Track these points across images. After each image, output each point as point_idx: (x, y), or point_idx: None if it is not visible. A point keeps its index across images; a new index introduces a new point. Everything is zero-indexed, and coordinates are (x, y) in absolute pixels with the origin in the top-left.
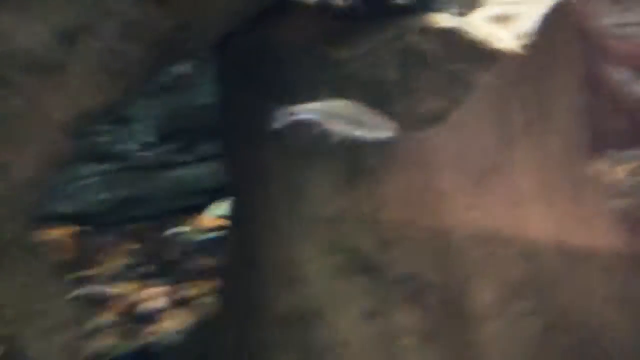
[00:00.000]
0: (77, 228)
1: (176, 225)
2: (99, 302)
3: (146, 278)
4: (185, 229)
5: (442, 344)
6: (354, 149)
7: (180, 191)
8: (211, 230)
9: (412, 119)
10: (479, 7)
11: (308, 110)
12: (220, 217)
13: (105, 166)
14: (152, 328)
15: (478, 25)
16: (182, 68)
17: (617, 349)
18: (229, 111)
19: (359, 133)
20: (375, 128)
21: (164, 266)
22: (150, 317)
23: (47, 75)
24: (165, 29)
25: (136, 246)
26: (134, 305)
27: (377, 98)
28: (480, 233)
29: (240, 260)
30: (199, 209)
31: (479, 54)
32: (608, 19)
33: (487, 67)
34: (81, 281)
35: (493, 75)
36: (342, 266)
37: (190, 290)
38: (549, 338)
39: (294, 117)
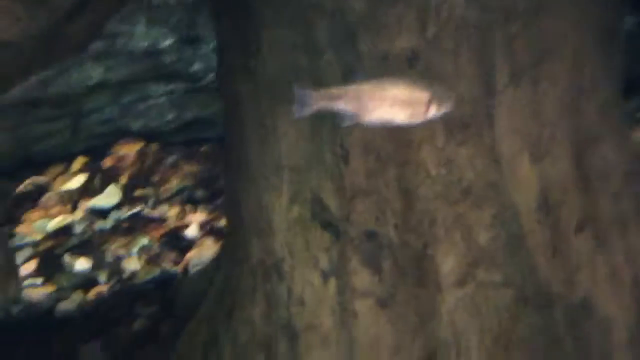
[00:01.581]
0: (143, 145)
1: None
2: (143, 225)
3: (196, 203)
4: None
5: (399, 311)
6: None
7: None
8: None
9: (379, 60)
10: None
11: (339, 97)
12: None
13: (173, 86)
14: (180, 257)
15: None
16: None
17: (604, 332)
18: (220, 42)
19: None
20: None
21: (216, 192)
22: (184, 245)
23: None
24: None
25: (196, 168)
26: (172, 230)
27: (341, 33)
28: (450, 192)
29: (228, 203)
30: None
31: None
32: None
33: (470, 1)
34: (136, 200)
35: (475, 9)
36: (304, 219)
37: (209, 213)
38: (521, 314)
39: (321, 105)
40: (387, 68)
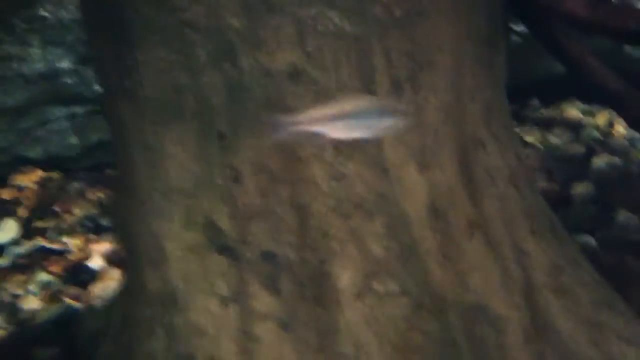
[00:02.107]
0: (44, 174)
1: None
2: (44, 258)
3: (101, 231)
4: None
5: (301, 332)
6: (205, 111)
7: None
8: None
9: (262, 75)
10: None
11: (315, 121)
12: None
13: (74, 109)
14: (84, 291)
15: None
16: None
17: (499, 333)
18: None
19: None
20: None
21: (103, 212)
22: (87, 278)
23: None
24: None
25: (102, 195)
26: (75, 263)
27: (221, 50)
28: (342, 206)
29: (120, 232)
30: None
31: None
32: None
33: (345, 13)
34: (37, 232)
35: (351, 21)
36: (198, 244)
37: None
38: (417, 321)
39: (299, 128)
40: (271, 84)
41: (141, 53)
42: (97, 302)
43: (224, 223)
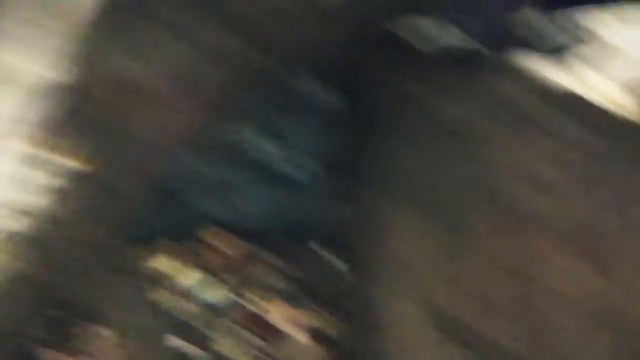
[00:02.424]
0: (227, 234)
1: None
2: (229, 309)
3: (299, 302)
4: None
5: None
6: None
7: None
8: None
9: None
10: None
11: None
12: None
13: (255, 176)
14: (269, 345)
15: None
16: None
17: None
18: None
19: None
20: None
21: (301, 287)
22: (271, 333)
23: (147, 103)
24: (247, 56)
25: (278, 262)
26: (259, 317)
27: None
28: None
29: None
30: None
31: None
32: None
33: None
34: (221, 286)
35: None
36: (422, 322)
37: (313, 317)
38: None
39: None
40: None
41: (390, 144)
42: None
43: (453, 309)
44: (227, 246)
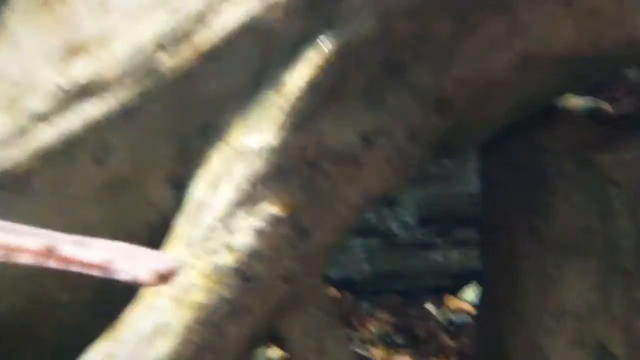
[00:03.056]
0: (339, 292)
1: (426, 303)
2: None
3: (396, 347)
4: (434, 308)
5: None
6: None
7: (433, 272)
8: (458, 313)
9: None
10: None
11: None
12: (468, 301)
13: (369, 241)
14: None
15: None
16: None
17: None
18: (489, 202)
19: None
20: None
21: (413, 339)
22: None
23: (347, 166)
24: (442, 132)
25: (388, 316)
26: None
27: (635, 201)
28: None
29: (487, 347)
30: (448, 291)
31: None
32: None
33: None
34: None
35: None
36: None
37: None
38: None
39: None
40: None
41: (556, 199)
42: None
43: (619, 350)
44: (335, 300)
